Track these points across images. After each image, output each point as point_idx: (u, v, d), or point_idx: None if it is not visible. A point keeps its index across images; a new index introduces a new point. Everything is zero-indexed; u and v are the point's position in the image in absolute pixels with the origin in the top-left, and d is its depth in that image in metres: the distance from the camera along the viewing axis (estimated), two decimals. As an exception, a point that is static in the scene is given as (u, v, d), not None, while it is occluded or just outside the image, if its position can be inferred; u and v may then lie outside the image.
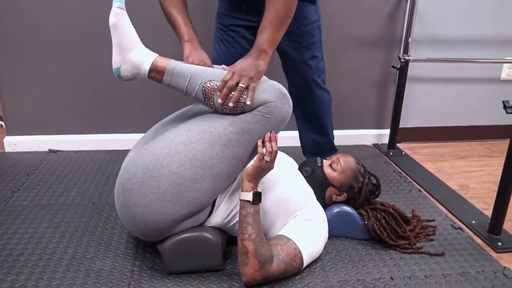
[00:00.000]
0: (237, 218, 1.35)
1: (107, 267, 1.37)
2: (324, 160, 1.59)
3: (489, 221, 1.64)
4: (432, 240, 1.58)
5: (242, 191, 1.29)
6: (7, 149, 2.27)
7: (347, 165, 1.54)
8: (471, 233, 1.65)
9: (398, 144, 2.52)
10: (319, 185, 1.52)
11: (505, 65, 2.52)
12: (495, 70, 2.54)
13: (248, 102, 1.26)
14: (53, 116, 2.27)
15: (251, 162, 1.32)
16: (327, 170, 1.54)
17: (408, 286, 1.33)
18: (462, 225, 1.70)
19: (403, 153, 2.41)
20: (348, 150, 2.24)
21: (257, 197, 1.28)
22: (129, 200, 1.26)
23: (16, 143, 2.26)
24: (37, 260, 1.38)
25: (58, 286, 1.27)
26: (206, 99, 1.30)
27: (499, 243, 1.56)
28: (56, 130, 2.29)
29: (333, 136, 1.97)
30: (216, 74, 1.31)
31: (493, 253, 1.52)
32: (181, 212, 1.27)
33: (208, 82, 1.29)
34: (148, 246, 1.48)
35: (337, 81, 2.37)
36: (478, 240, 1.60)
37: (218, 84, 1.28)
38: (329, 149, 1.97)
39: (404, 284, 1.34)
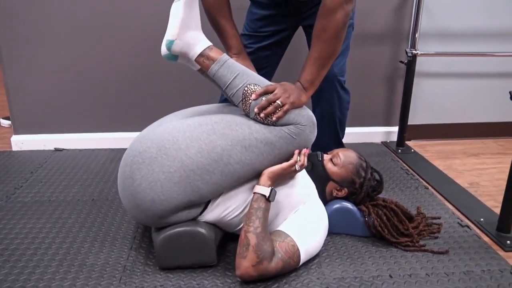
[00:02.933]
0: (234, 215, 1.34)
1: (101, 262, 1.35)
2: (325, 155, 1.55)
3: (498, 218, 1.57)
4: (436, 237, 1.52)
5: (259, 184, 1.29)
6: (14, 148, 2.30)
7: (348, 159, 1.50)
8: (478, 231, 1.58)
9: (408, 142, 2.45)
10: (320, 180, 1.48)
11: (520, 59, 2.43)
12: (509, 64, 2.45)
13: (273, 118, 1.30)
14: (59, 115, 2.29)
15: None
16: (328, 165, 1.50)
17: (408, 285, 1.27)
18: (469, 223, 1.63)
19: (412, 150, 2.35)
20: (356, 147, 2.18)
21: (273, 194, 1.29)
22: (136, 173, 1.25)
23: (23, 142, 2.29)
24: (32, 254, 1.38)
25: (50, 280, 1.26)
26: (244, 100, 1.32)
27: (508, 242, 1.49)
28: (62, 129, 2.31)
29: (343, 136, 1.93)
30: (262, 81, 1.36)
31: (501, 252, 1.46)
32: (182, 198, 1.25)
33: (252, 85, 1.33)
34: (143, 242, 1.46)
35: (343, 77, 2.33)
36: (486, 238, 1.54)
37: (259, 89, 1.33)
38: (335, 144, 1.91)
39: (404, 282, 1.28)
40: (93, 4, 2.12)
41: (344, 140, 1.97)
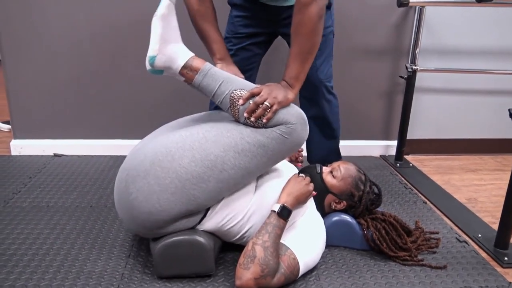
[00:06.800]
0: (232, 223, 1.34)
1: (98, 269, 1.35)
2: (324, 167, 1.55)
3: (496, 234, 1.58)
4: (435, 252, 1.52)
5: (277, 202, 1.32)
6: (13, 152, 2.30)
7: (348, 172, 1.50)
8: (476, 247, 1.58)
9: (406, 156, 2.47)
10: (318, 192, 1.48)
11: (518, 77, 2.46)
12: (508, 81, 2.48)
13: (264, 121, 1.29)
14: (59, 121, 2.29)
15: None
16: (327, 177, 1.50)
17: (406, 299, 1.27)
18: (467, 238, 1.64)
19: (411, 165, 2.36)
20: (355, 161, 2.20)
21: (284, 212, 1.29)
22: (131, 186, 1.25)
23: (22, 147, 2.29)
24: (29, 260, 1.38)
25: (47, 287, 1.25)
26: (232, 106, 1.32)
27: (506, 258, 1.49)
28: (62, 135, 2.31)
29: (339, 135, 1.93)
30: (247, 85, 1.36)
31: (498, 268, 1.46)
32: (179, 208, 1.25)
33: (238, 90, 1.32)
34: (142, 250, 1.46)
35: (344, 90, 2.34)
36: (484, 254, 1.54)
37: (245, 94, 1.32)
38: (334, 155, 1.93)
39: (402, 296, 1.28)
40: (94, 11, 2.14)
41: (343, 153, 1.98)
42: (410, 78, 2.26)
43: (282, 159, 1.39)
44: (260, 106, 1.30)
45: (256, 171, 1.33)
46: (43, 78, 2.22)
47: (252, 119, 1.30)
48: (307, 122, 1.35)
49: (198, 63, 1.34)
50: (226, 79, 1.35)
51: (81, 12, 2.14)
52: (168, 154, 1.25)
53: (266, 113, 1.29)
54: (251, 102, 1.30)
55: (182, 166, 1.24)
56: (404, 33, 2.32)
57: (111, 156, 2.31)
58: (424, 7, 2.19)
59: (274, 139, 1.31)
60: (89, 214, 1.69)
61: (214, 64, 1.49)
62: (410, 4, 2.10)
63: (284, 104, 1.32)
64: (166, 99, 2.31)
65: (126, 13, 2.16)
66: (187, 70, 1.34)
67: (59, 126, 2.30)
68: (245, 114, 1.30)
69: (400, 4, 2.12)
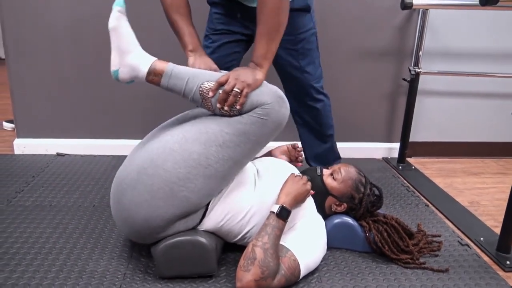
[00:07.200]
0: (233, 223, 1.35)
1: (100, 269, 1.35)
2: (325, 170, 1.55)
3: (498, 238, 1.57)
4: (437, 255, 1.52)
5: (276, 203, 1.32)
6: (16, 151, 2.30)
7: (348, 175, 1.50)
8: (478, 250, 1.58)
9: (408, 159, 2.46)
10: (318, 194, 1.48)
11: (521, 81, 2.46)
12: (511, 85, 2.47)
13: (238, 107, 1.27)
14: (62, 120, 2.30)
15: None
16: (327, 180, 1.50)
17: (408, 302, 1.27)
18: (469, 242, 1.64)
19: (413, 167, 2.36)
20: (357, 163, 2.20)
21: (283, 212, 1.29)
22: (123, 198, 1.26)
23: (25, 146, 2.30)
24: (32, 259, 1.38)
25: (49, 286, 1.26)
26: (204, 100, 1.31)
27: (508, 262, 1.49)
28: (65, 134, 2.32)
29: (333, 133, 1.93)
30: (213, 75, 1.33)
31: (500, 272, 1.46)
32: (173, 212, 1.25)
33: (205, 83, 1.30)
34: (144, 250, 1.46)
35: (347, 93, 2.35)
36: (486, 258, 1.54)
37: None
38: (333, 156, 1.93)
39: (404, 299, 1.28)
40: (98, 12, 2.14)
41: (345, 155, 1.98)
42: (413, 81, 2.26)
43: (268, 141, 1.36)
44: (230, 93, 1.27)
45: (244, 160, 1.32)
46: (47, 78, 2.23)
47: (226, 108, 1.28)
48: (284, 98, 1.32)
49: (161, 66, 1.33)
50: (192, 75, 1.33)
51: (85, 13, 2.15)
52: (151, 161, 1.26)
53: (237, 99, 1.27)
54: (220, 92, 1.28)
55: (166, 170, 1.24)
56: (408, 36, 2.32)
57: (113, 156, 2.31)
58: (427, 9, 2.20)
59: (254, 124, 1.28)
60: (92, 213, 1.69)
61: (187, 57, 1.47)
62: (413, 7, 2.11)
63: (254, 87, 1.29)
64: (168, 98, 2.30)
65: (128, 14, 2.16)
66: (152, 76, 1.33)
67: (62, 126, 2.31)
68: (218, 105, 1.28)
69: (404, 7, 2.12)
